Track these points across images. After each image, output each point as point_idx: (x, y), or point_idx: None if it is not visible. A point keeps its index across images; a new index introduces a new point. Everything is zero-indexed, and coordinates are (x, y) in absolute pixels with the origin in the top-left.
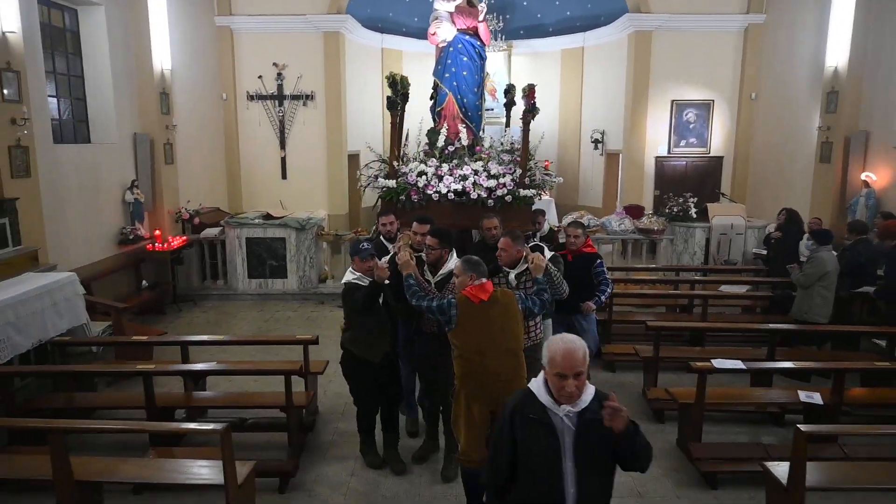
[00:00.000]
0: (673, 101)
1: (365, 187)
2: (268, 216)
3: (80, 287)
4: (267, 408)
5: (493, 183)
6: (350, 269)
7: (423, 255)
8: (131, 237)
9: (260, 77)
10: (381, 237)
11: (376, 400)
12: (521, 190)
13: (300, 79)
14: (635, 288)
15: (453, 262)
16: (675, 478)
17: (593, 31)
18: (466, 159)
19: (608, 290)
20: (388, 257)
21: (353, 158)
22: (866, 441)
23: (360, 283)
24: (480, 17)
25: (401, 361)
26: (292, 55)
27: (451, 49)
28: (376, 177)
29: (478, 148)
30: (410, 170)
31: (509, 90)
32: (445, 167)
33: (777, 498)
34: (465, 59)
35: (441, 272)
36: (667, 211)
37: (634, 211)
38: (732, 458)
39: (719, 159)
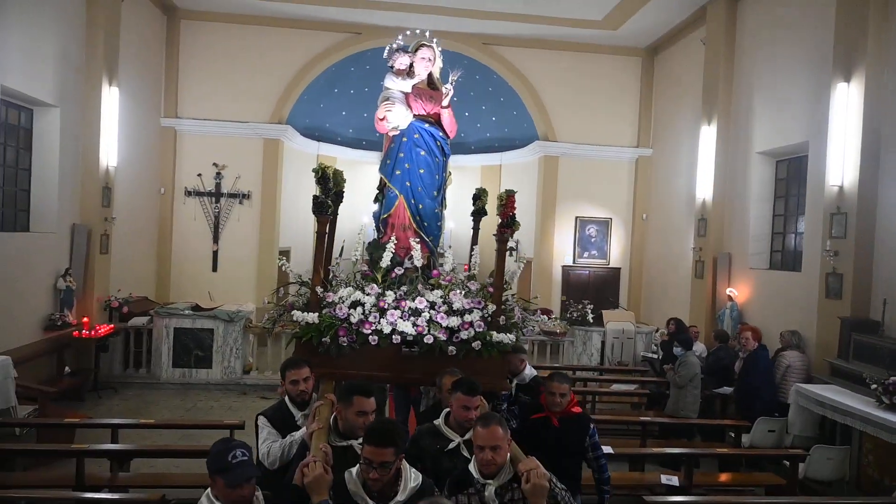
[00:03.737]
0: (577, 217)
1: (271, 329)
2: (196, 307)
3: (12, 370)
4: (190, 487)
5: (455, 322)
6: (208, 494)
7: (359, 448)
8: (59, 323)
9: (199, 175)
10: (288, 399)
11: None
12: (495, 333)
13: (238, 179)
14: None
15: (412, 480)
16: None
17: (509, 152)
18: (421, 286)
19: (608, 473)
20: (297, 436)
21: (284, 254)
22: None
23: None
24: (445, 102)
25: None
26: (232, 156)
27: (404, 139)
28: (289, 307)
29: (435, 272)
30: (341, 299)
31: (479, 196)
32: (390, 296)
33: None
34: (422, 153)
35: (397, 500)
36: (568, 315)
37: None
38: None
39: (617, 270)
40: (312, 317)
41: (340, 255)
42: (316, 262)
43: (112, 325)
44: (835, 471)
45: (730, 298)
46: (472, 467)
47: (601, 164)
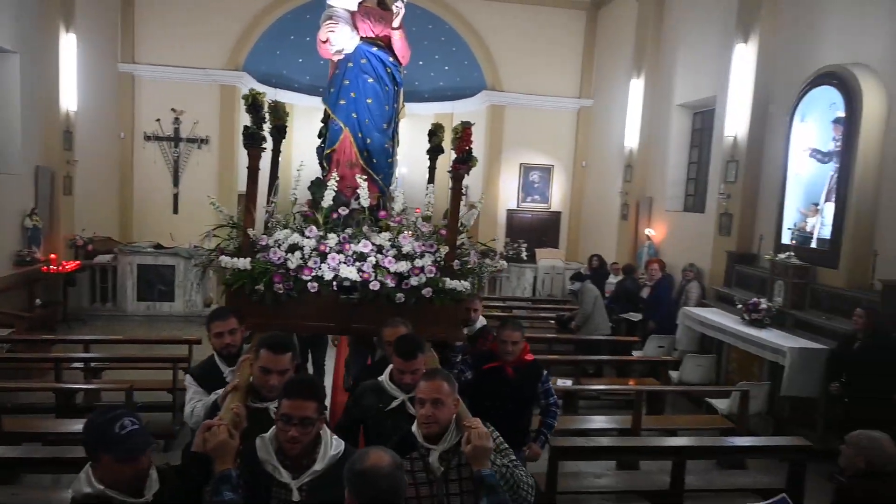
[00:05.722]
0: (521, 164)
1: (203, 269)
2: (158, 246)
3: None
4: (156, 390)
5: (405, 266)
6: (89, 475)
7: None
8: (28, 259)
9: (158, 120)
10: (216, 354)
11: None
12: (448, 279)
13: (196, 124)
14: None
15: (333, 447)
16: None
17: (461, 101)
18: (367, 229)
19: (556, 419)
20: (213, 398)
21: (242, 197)
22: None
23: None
24: (396, 23)
25: None
26: (190, 102)
27: (349, 65)
28: (220, 251)
29: (383, 213)
30: (276, 241)
31: (435, 132)
32: (333, 239)
33: None
34: (370, 80)
35: (314, 469)
36: (504, 253)
37: (483, 254)
38: None
39: (558, 214)
40: (244, 262)
41: (275, 194)
42: (247, 201)
43: (79, 262)
44: (704, 376)
45: (648, 238)
46: (415, 429)
47: (545, 113)
